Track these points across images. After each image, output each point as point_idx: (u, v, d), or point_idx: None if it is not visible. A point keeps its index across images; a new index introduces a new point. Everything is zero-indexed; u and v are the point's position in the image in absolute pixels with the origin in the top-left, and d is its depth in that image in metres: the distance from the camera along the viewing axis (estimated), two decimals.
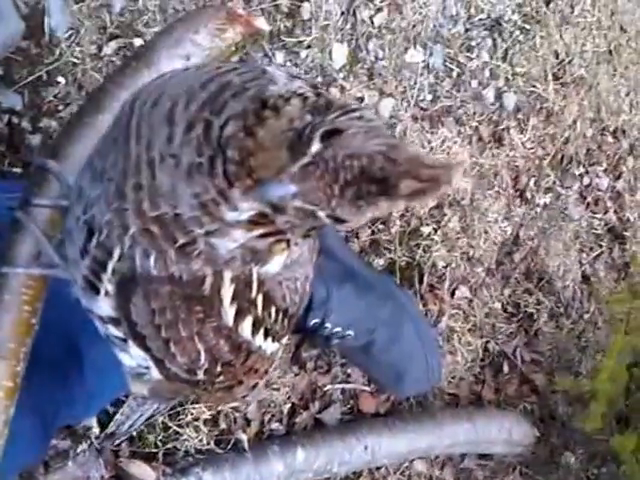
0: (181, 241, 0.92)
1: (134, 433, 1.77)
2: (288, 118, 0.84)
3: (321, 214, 0.84)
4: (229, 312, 0.99)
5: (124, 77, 1.22)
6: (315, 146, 0.81)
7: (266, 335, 1.07)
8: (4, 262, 1.18)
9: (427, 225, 2.06)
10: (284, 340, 1.17)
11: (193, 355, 1.03)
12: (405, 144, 0.81)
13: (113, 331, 1.03)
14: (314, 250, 1.09)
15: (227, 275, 0.95)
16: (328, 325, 1.79)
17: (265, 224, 0.90)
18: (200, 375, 1.06)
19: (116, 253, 0.96)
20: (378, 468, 2.06)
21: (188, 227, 0.91)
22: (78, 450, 1.62)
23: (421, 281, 2.07)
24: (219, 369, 1.06)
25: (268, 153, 0.85)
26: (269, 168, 0.85)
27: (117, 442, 1.74)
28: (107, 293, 0.99)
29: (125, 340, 1.04)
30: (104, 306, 1.01)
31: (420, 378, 1.93)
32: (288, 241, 0.95)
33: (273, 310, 1.05)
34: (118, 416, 1.57)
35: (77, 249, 1.01)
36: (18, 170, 1.62)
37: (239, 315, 1.01)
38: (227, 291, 0.97)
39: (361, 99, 1.96)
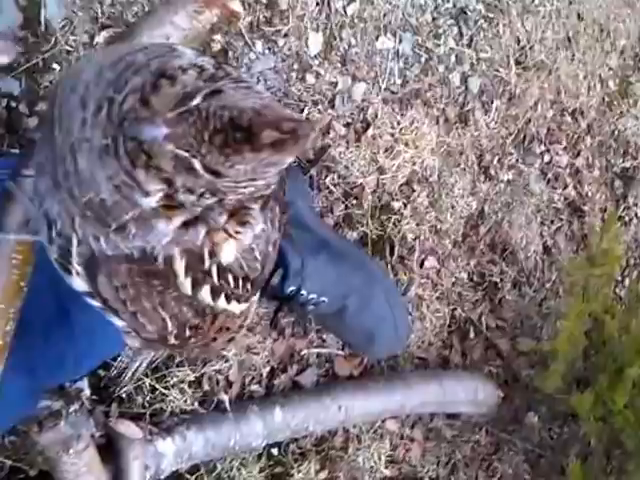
0: (113, 226, 0.94)
1: (124, 395, 1.87)
2: (182, 85, 0.86)
3: (196, 165, 0.86)
4: (185, 283, 1.01)
5: None
6: (196, 100, 0.84)
7: (228, 299, 1.08)
8: None
9: (397, 200, 2.14)
10: (253, 299, 1.19)
11: (160, 324, 1.06)
12: (280, 105, 0.89)
13: (92, 302, 1.08)
14: (277, 218, 1.12)
15: (176, 251, 0.97)
16: (304, 292, 1.85)
17: (177, 208, 0.91)
18: (172, 340, 1.10)
19: (74, 240, 0.99)
20: (353, 426, 2.15)
21: (114, 212, 0.93)
22: (70, 410, 1.63)
23: (392, 253, 2.16)
24: (188, 333, 1.09)
25: None
26: None
27: (122, 390, 1.83)
28: (78, 273, 1.03)
29: (104, 310, 1.08)
30: (79, 283, 1.05)
31: (390, 341, 1.99)
32: (226, 231, 0.97)
33: (230, 277, 1.06)
34: (117, 363, 1.65)
35: (45, 237, 1.04)
36: (17, 151, 1.68)
37: (195, 285, 1.03)
38: (179, 265, 0.99)
39: (335, 84, 2.04)
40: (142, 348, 1.28)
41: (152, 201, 0.90)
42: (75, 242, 0.99)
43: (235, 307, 1.11)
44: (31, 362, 1.41)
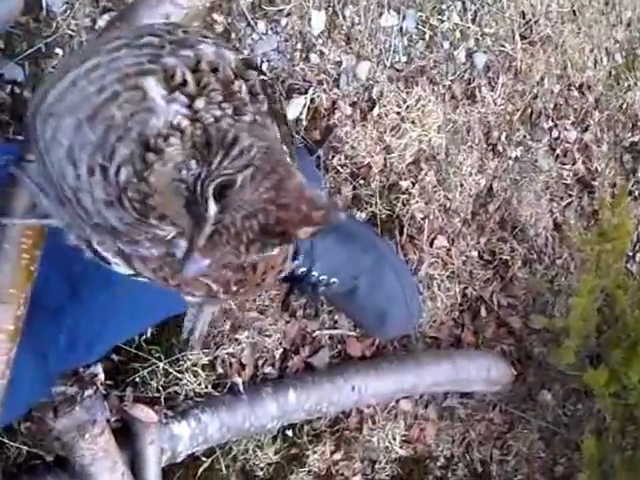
0: (125, 239, 1.00)
1: (138, 379, 1.88)
2: (173, 164, 0.89)
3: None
4: None
5: None
6: (212, 209, 0.86)
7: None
8: (2, 214, 1.25)
9: (405, 180, 2.14)
10: None
11: (205, 288, 1.09)
12: (287, 172, 0.90)
13: (139, 279, 1.11)
14: None
15: None
16: (314, 273, 1.86)
17: None
18: (222, 296, 1.12)
19: (94, 243, 1.05)
20: (367, 407, 2.15)
21: (128, 234, 0.98)
22: (85, 395, 1.64)
23: (401, 232, 2.15)
24: (235, 288, 1.11)
25: (164, 196, 0.91)
26: (168, 207, 0.91)
27: (195, 350, 1.86)
28: (117, 263, 1.07)
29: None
30: (121, 269, 1.09)
31: (402, 320, 2.00)
32: None
33: None
34: (185, 323, 1.64)
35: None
36: (22, 138, 1.66)
37: None
38: None
39: (339, 63, 2.03)
40: (202, 303, 1.28)
41: (169, 234, 0.96)
42: (95, 244, 1.05)
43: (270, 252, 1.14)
44: (43, 346, 1.43)
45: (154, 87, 0.93)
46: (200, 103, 0.92)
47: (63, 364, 1.56)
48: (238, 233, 0.87)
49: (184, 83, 0.93)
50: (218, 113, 0.93)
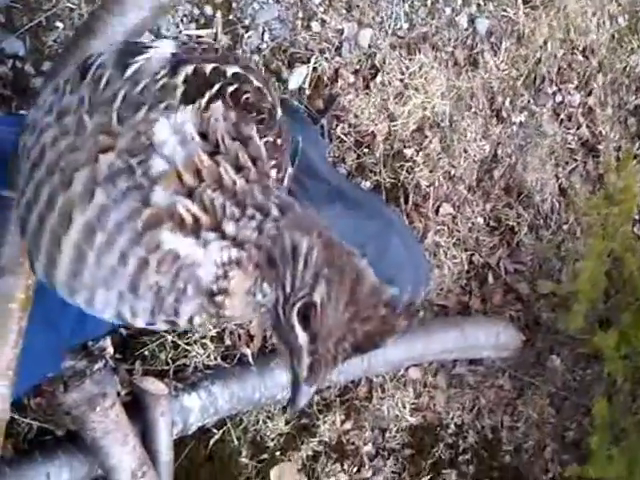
0: None
1: (146, 353, 1.88)
2: (244, 291, 0.93)
3: None
4: None
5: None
6: (302, 337, 0.91)
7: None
8: (6, 186, 1.22)
9: (409, 147, 2.13)
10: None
11: None
12: (359, 273, 0.95)
13: None
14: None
15: None
16: None
17: None
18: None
19: None
20: (376, 376, 2.16)
21: None
22: (94, 369, 1.65)
23: (406, 201, 2.15)
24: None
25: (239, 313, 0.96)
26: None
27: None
28: None
29: None
30: None
31: (410, 287, 2.01)
32: None
33: None
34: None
35: None
36: (25, 112, 1.68)
37: None
38: None
39: (341, 31, 2.03)
40: None
41: None
42: None
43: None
44: (52, 317, 1.42)
45: (174, 240, 0.93)
46: (229, 228, 0.93)
47: (74, 336, 1.56)
48: (335, 357, 0.92)
49: (197, 220, 0.93)
50: (254, 223, 0.94)
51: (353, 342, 0.91)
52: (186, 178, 0.92)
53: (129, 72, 0.97)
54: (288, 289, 0.91)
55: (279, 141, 1.07)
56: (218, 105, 0.97)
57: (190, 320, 0.96)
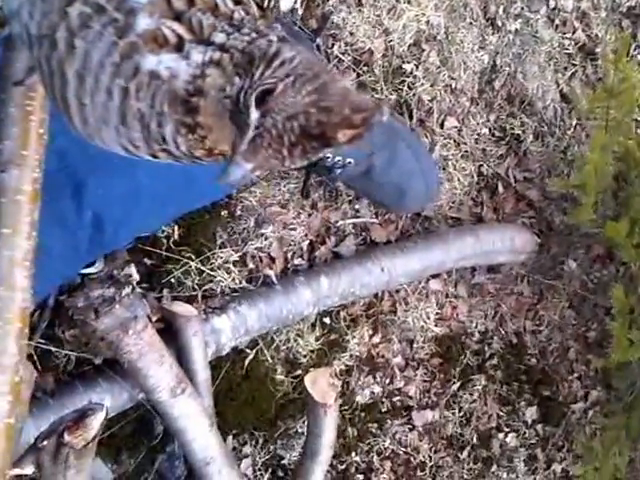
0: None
1: (172, 280, 1.92)
2: (217, 88, 0.91)
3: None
4: None
5: None
6: (253, 114, 0.87)
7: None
8: (3, 79, 1.28)
9: (408, 63, 2.16)
10: None
11: None
12: (331, 77, 0.89)
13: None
14: None
15: None
16: (329, 156, 1.88)
17: None
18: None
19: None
20: (397, 291, 2.21)
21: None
22: (123, 294, 1.69)
23: (410, 117, 2.18)
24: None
25: (213, 120, 0.93)
26: (217, 129, 0.93)
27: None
28: None
29: None
30: None
31: (420, 193, 2.03)
32: None
33: None
34: None
35: None
36: None
37: None
38: None
39: None
40: None
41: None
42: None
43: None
44: (66, 218, 1.46)
45: (155, 60, 0.93)
46: (218, 38, 0.93)
47: (92, 245, 1.61)
48: (279, 135, 0.86)
49: (181, 38, 0.93)
50: (246, 38, 0.93)
51: (304, 124, 0.85)
52: (176, 4, 0.93)
53: None
54: (256, 78, 0.88)
55: None
56: None
57: (177, 146, 0.96)
